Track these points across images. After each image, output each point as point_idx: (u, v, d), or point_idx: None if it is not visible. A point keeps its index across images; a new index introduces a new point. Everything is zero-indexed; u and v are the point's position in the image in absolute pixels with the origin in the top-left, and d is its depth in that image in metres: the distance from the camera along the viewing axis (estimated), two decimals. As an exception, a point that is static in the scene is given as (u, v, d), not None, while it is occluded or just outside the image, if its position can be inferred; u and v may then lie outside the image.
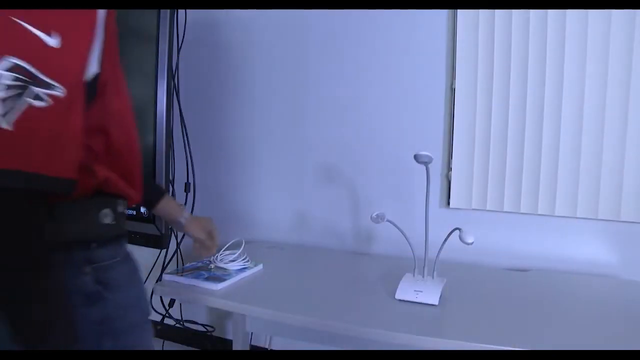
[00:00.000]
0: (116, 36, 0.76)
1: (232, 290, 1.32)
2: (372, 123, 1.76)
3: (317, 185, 1.85)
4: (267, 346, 1.95)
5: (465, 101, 1.61)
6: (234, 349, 1.70)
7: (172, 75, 1.50)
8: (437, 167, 1.67)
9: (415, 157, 1.23)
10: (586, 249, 1.53)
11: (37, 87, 0.59)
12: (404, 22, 1.68)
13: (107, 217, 0.77)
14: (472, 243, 1.19)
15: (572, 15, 1.46)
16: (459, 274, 1.42)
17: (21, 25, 0.58)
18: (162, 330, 2.05)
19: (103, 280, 0.77)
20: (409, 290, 1.27)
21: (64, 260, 0.71)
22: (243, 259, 1.45)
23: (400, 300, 1.26)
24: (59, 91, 0.60)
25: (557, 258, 1.55)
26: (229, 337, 2.01)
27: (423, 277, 1.30)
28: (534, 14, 1.50)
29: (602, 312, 1.22)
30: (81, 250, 0.74)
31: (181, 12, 1.67)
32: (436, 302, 1.23)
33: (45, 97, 0.59)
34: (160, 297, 1.84)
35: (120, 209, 0.81)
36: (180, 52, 1.73)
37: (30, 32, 0.58)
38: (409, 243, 1.31)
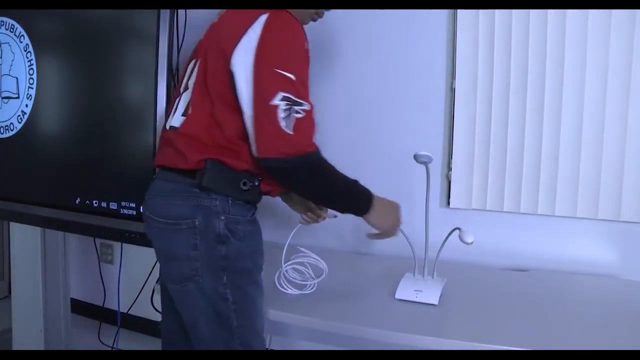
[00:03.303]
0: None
1: (232, 290, 1.32)
2: (372, 123, 1.76)
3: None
4: (267, 346, 1.95)
5: (465, 101, 1.61)
6: (234, 349, 1.70)
7: (172, 75, 1.50)
8: (437, 167, 1.67)
9: (415, 157, 1.23)
10: (586, 249, 1.53)
11: (296, 106, 1.00)
12: (404, 22, 1.68)
13: (245, 185, 1.08)
14: (471, 243, 1.19)
15: (572, 15, 1.46)
16: (459, 274, 1.42)
17: (279, 72, 0.99)
18: (162, 330, 2.04)
19: (232, 229, 1.07)
20: (409, 290, 1.27)
21: (214, 205, 1.06)
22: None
23: (400, 300, 1.26)
24: (306, 106, 1.01)
25: (557, 258, 1.55)
26: (229, 337, 2.01)
27: (423, 277, 1.30)
28: (534, 14, 1.50)
29: (602, 312, 1.22)
30: (223, 202, 1.06)
31: (181, 12, 1.67)
32: (436, 302, 1.23)
33: (300, 111, 1.00)
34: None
35: (256, 182, 1.10)
36: (180, 52, 1.73)
37: (284, 75, 0.99)
38: (409, 243, 1.31)
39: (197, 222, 1.05)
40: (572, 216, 1.52)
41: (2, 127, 1.79)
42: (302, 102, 1.01)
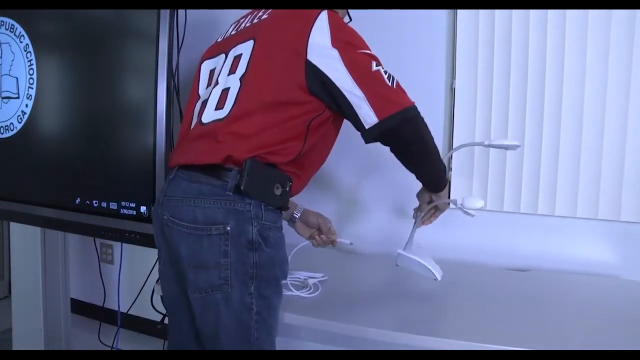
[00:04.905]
0: None
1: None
2: (372, 123, 1.75)
3: (316, 185, 1.84)
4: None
5: (465, 101, 1.61)
6: (234, 349, 1.70)
7: (172, 75, 1.50)
8: (437, 167, 1.66)
9: (416, 157, 1.22)
10: (586, 249, 1.53)
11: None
12: (404, 22, 1.68)
13: (278, 189, 1.04)
14: (478, 209, 1.21)
15: (572, 15, 1.46)
16: (459, 274, 1.42)
17: (363, 52, 1.06)
18: (163, 330, 2.04)
19: (264, 235, 1.02)
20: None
21: (247, 210, 1.00)
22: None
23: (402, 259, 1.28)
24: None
25: (557, 258, 1.55)
26: (229, 337, 2.01)
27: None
28: (534, 14, 1.50)
29: (602, 312, 1.22)
30: (257, 207, 1.01)
31: (181, 12, 1.67)
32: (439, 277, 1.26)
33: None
34: (161, 297, 1.84)
35: (287, 188, 1.06)
36: (180, 52, 1.73)
37: (367, 52, 1.07)
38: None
39: (229, 228, 0.99)
40: (572, 216, 1.52)
41: (2, 127, 1.79)
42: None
